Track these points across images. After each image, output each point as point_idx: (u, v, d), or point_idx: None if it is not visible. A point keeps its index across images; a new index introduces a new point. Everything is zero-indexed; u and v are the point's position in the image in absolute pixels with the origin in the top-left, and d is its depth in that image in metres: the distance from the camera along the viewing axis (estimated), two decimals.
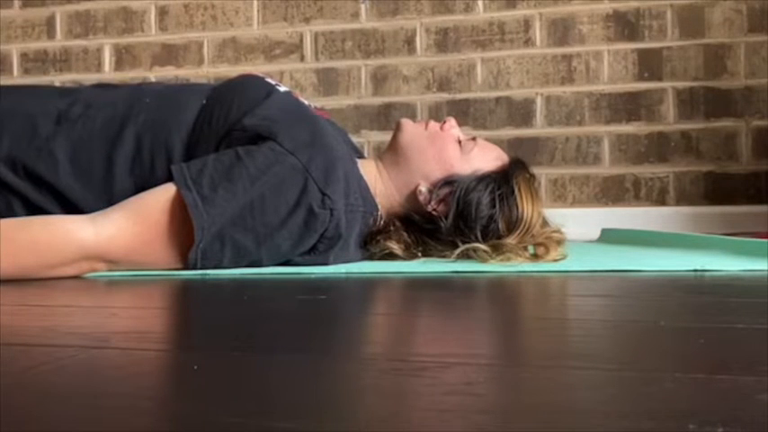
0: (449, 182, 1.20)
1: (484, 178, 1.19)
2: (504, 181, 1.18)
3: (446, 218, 1.18)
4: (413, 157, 1.23)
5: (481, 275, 1.04)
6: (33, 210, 1.09)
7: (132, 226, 1.00)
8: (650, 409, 0.35)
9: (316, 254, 1.11)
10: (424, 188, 1.21)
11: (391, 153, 1.25)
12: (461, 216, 1.17)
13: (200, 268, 1.03)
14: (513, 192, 1.17)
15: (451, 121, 1.27)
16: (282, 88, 1.22)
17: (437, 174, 1.21)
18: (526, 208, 1.17)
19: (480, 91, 2.29)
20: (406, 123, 1.26)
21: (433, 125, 1.26)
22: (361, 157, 1.37)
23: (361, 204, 1.15)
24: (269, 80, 1.24)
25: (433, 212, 1.20)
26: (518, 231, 1.15)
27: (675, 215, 2.16)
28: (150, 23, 2.49)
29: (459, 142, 1.24)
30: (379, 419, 0.35)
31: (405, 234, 1.20)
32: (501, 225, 1.16)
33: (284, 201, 1.06)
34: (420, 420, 0.35)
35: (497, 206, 1.17)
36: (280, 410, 0.36)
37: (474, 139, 1.26)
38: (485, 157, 1.23)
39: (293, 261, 1.10)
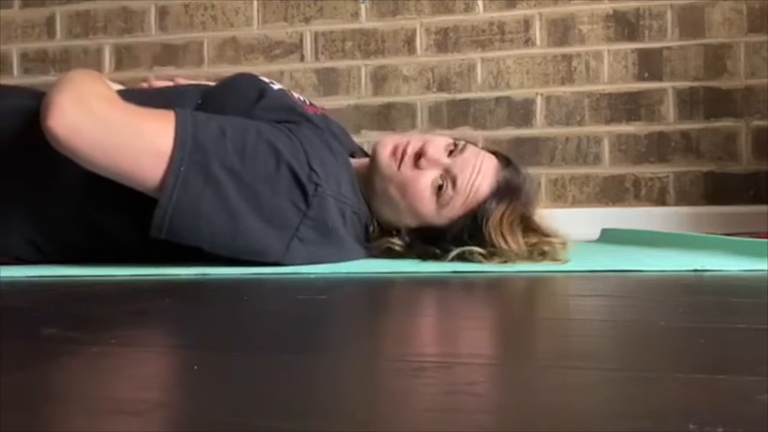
0: (426, 229, 1.17)
1: (458, 222, 1.15)
2: (476, 226, 1.13)
3: (430, 247, 1.17)
4: (387, 206, 1.18)
5: (481, 275, 1.04)
6: (35, 211, 1.10)
7: (126, 104, 1.01)
8: (650, 409, 0.35)
9: (306, 244, 1.07)
10: (403, 231, 1.19)
11: (370, 187, 1.18)
12: (444, 244, 1.16)
13: (176, 202, 0.98)
14: (484, 237, 1.13)
15: (433, 147, 1.15)
16: (276, 86, 1.21)
17: (413, 224, 1.18)
18: (503, 248, 1.12)
19: (480, 91, 2.29)
20: (382, 158, 1.16)
21: (406, 167, 1.14)
22: (360, 152, 1.35)
23: (351, 200, 1.13)
24: (262, 78, 1.23)
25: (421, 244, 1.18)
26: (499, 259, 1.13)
27: (675, 215, 2.16)
28: (150, 23, 2.49)
29: (437, 187, 1.14)
30: (379, 419, 0.35)
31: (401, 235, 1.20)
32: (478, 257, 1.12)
33: (274, 156, 1.04)
34: (420, 420, 0.35)
35: (475, 246, 1.13)
36: (280, 410, 0.36)
37: (455, 182, 1.14)
38: (464, 204, 1.15)
39: (287, 256, 1.07)
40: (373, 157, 1.18)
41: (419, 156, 1.15)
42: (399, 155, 1.16)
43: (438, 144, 1.16)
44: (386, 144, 1.18)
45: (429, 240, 1.17)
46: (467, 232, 1.14)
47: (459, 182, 1.14)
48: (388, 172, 1.16)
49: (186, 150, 0.99)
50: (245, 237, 1.03)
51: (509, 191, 1.16)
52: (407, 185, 1.15)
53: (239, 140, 1.03)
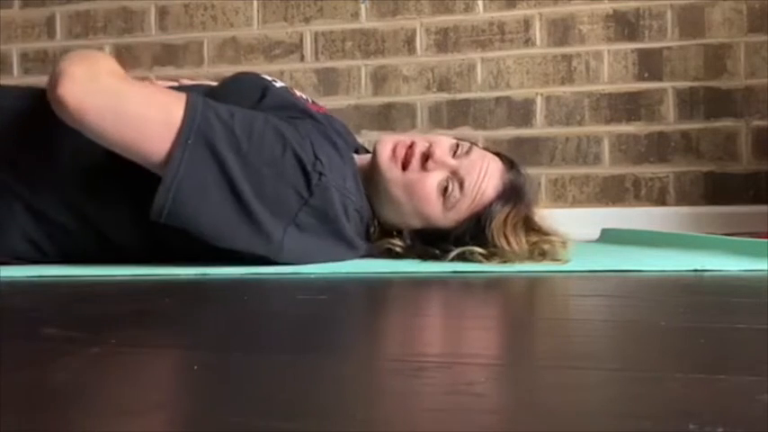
0: (430, 230, 1.17)
1: (462, 224, 1.15)
2: (479, 228, 1.14)
3: (430, 247, 1.17)
4: (391, 208, 1.17)
5: (481, 275, 1.04)
6: (34, 210, 1.10)
7: (139, 81, 1.03)
8: (650, 409, 0.35)
9: (303, 231, 1.06)
10: (406, 233, 1.18)
11: (372, 188, 1.17)
12: (447, 244, 1.16)
13: (181, 177, 0.98)
14: (487, 238, 1.13)
15: (440, 149, 1.14)
16: (279, 84, 1.21)
17: (417, 226, 1.18)
18: (505, 249, 1.12)
19: (480, 91, 2.29)
20: (383, 160, 1.15)
21: (413, 169, 1.14)
22: (363, 150, 1.35)
23: (355, 196, 1.12)
24: (265, 77, 1.22)
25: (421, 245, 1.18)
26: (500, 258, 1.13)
27: (675, 215, 2.16)
28: (150, 23, 2.49)
29: (444, 189, 1.14)
30: (379, 419, 0.35)
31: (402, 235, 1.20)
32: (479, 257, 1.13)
33: (281, 142, 1.04)
34: (420, 420, 0.35)
35: (476, 247, 1.13)
36: (280, 410, 0.36)
37: (462, 184, 1.14)
38: (471, 205, 1.15)
39: (286, 243, 1.05)
40: (374, 158, 1.17)
41: (426, 157, 1.14)
42: (402, 155, 1.15)
43: (443, 145, 1.16)
44: (386, 143, 1.17)
45: (431, 241, 1.17)
46: (469, 233, 1.14)
47: (466, 184, 1.14)
48: (392, 174, 1.15)
49: (195, 124, 0.99)
50: (243, 220, 1.02)
51: (514, 193, 1.16)
52: (414, 187, 1.14)
53: (247, 125, 1.03)
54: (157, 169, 1.00)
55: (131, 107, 0.98)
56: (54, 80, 0.96)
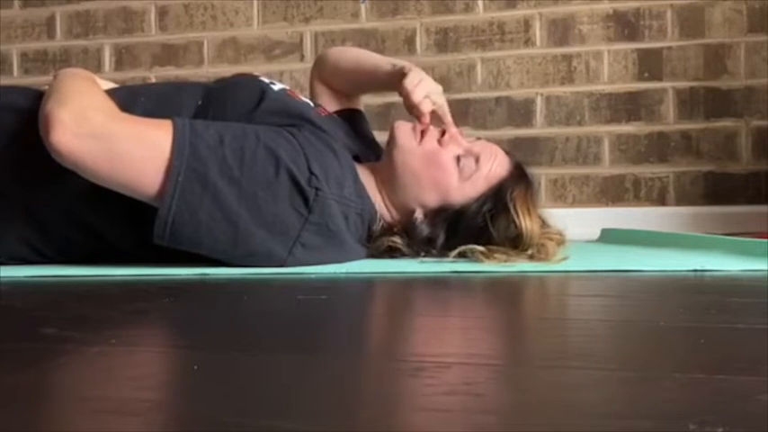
0: (444, 208, 1.18)
1: (479, 199, 1.17)
2: (499, 199, 1.16)
3: (437, 239, 1.17)
4: (407, 181, 1.18)
5: (481, 275, 1.04)
6: (33, 213, 1.10)
7: (124, 115, 1.02)
8: (650, 409, 0.35)
9: (309, 249, 1.07)
10: (419, 215, 1.18)
11: (386, 170, 1.20)
12: (454, 237, 1.16)
13: (175, 212, 0.99)
14: (508, 210, 1.15)
15: (451, 131, 1.21)
16: (277, 86, 1.21)
17: (433, 201, 1.18)
18: (524, 225, 1.14)
19: (480, 91, 2.29)
20: (401, 134, 1.19)
21: (429, 140, 1.19)
22: (376, 145, 1.37)
23: (355, 201, 1.12)
24: (263, 79, 1.22)
25: (428, 236, 1.18)
26: (518, 247, 1.14)
27: (675, 215, 2.16)
28: (150, 23, 2.49)
29: (459, 160, 1.17)
30: (379, 419, 0.35)
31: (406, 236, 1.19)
32: (496, 240, 1.14)
33: (274, 161, 1.04)
34: (420, 420, 0.35)
35: (492, 228, 1.14)
36: (280, 410, 0.36)
37: (477, 159, 1.18)
38: (486, 179, 1.17)
39: (289, 261, 1.07)
40: (392, 135, 1.20)
41: (442, 133, 1.20)
42: (420, 133, 1.19)
43: (455, 131, 1.22)
44: (404, 123, 1.22)
45: (448, 221, 1.17)
46: (489, 203, 1.16)
47: (482, 159, 1.18)
48: (410, 144, 1.19)
49: (184, 159, 1.00)
50: (245, 244, 1.04)
51: (525, 175, 1.21)
52: (432, 156, 1.18)
53: (238, 147, 1.03)
54: (153, 203, 1.01)
55: (122, 148, 0.99)
56: (45, 126, 0.97)
